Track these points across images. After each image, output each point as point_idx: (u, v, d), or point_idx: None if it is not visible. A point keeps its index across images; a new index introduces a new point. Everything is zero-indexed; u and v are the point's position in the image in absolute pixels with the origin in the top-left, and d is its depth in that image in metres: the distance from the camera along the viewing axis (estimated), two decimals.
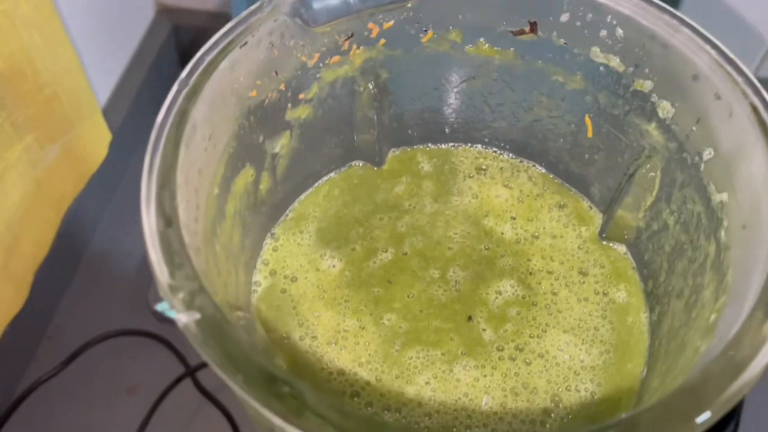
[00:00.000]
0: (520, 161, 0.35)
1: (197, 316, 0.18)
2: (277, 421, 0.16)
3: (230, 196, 0.26)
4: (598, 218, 0.32)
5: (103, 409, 0.40)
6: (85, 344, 0.40)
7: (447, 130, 0.34)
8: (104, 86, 0.46)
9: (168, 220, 0.19)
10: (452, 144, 0.35)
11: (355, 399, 0.27)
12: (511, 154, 0.35)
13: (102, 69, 0.45)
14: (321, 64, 0.29)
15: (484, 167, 0.35)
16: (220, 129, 0.24)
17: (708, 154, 0.24)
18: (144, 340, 0.40)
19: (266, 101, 0.27)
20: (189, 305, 0.18)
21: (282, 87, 0.27)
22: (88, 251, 0.45)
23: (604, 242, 0.31)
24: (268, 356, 0.25)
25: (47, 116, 0.39)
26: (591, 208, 0.33)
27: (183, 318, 0.17)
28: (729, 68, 0.22)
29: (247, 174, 0.27)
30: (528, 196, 0.33)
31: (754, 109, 0.21)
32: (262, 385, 0.17)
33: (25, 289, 0.40)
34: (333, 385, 0.27)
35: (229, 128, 0.25)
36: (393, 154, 0.35)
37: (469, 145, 0.35)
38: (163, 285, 0.18)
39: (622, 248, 0.31)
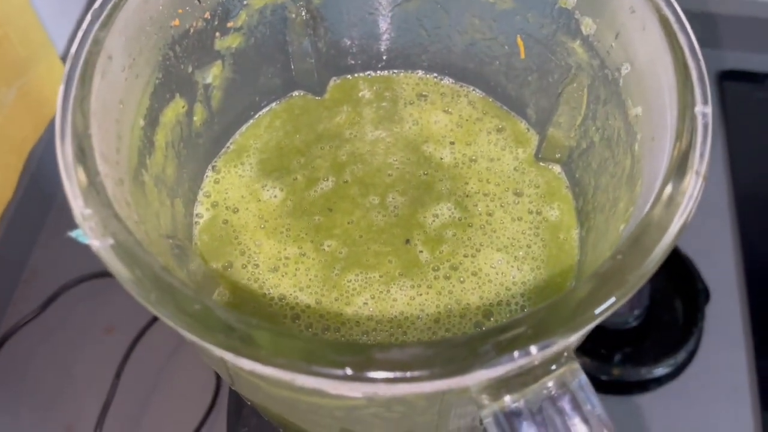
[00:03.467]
0: (460, 86, 0.35)
1: (111, 241, 0.18)
2: (190, 336, 0.17)
3: (159, 127, 0.26)
4: (534, 140, 0.33)
5: (82, 350, 0.40)
6: (61, 287, 0.40)
7: (386, 57, 0.34)
8: (62, 31, 0.45)
9: (81, 150, 0.20)
10: (393, 71, 0.35)
11: (296, 322, 0.28)
12: (451, 80, 0.35)
13: (59, 13, 0.44)
14: None
15: (424, 93, 0.35)
16: (141, 59, 0.24)
17: (625, 69, 0.24)
18: None
19: (191, 30, 0.27)
20: (103, 232, 0.18)
21: (207, 15, 0.27)
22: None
23: (541, 164, 0.32)
24: (198, 281, 0.25)
25: None
26: (528, 130, 0.33)
27: (96, 243, 0.18)
28: None
29: (177, 105, 0.27)
30: (467, 120, 0.34)
31: (665, 21, 0.22)
32: (173, 303, 0.17)
33: None
34: (274, 309, 0.28)
35: (152, 58, 0.25)
36: (334, 83, 0.35)
37: (410, 71, 0.35)
38: (76, 213, 0.18)
39: (557, 168, 0.32)
